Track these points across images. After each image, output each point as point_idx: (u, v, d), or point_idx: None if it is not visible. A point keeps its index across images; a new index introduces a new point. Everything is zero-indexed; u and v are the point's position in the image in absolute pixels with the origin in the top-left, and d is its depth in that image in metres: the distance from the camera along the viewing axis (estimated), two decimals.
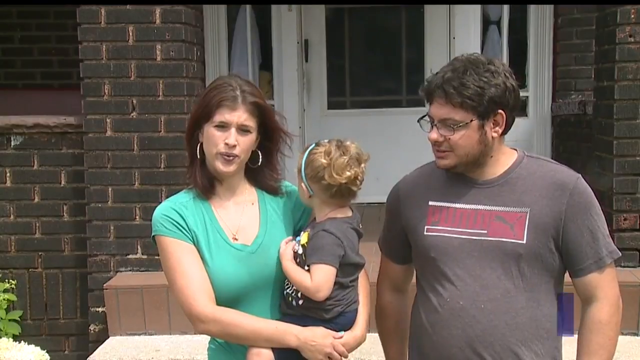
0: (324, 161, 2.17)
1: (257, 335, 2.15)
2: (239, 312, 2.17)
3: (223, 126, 2.18)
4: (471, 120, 2.10)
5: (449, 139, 2.11)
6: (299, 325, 2.17)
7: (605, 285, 2.17)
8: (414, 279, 2.40)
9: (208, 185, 2.25)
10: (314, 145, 2.22)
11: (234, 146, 2.18)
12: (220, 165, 2.20)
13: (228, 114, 2.18)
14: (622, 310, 2.21)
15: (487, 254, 2.14)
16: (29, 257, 4.65)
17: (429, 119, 2.17)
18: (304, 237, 2.20)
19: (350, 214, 2.25)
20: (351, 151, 2.19)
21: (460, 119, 2.09)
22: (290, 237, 2.25)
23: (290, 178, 2.40)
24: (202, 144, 2.24)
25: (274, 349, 2.15)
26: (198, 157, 2.24)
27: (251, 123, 2.21)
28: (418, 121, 2.21)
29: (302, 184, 2.23)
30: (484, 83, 2.08)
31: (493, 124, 2.13)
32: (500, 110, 2.12)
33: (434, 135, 2.13)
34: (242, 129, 2.20)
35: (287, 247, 2.22)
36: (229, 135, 2.18)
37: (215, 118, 2.18)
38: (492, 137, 2.15)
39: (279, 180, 2.35)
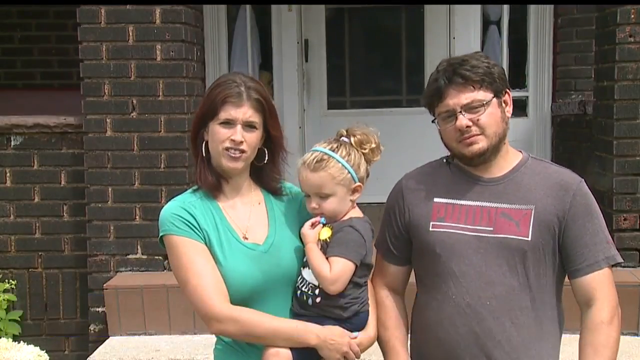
0: (370, 146, 2.23)
1: (277, 334, 2.13)
2: (257, 311, 2.15)
3: (229, 123, 2.18)
4: (492, 98, 2.14)
5: (478, 120, 2.13)
6: None
7: (604, 288, 2.17)
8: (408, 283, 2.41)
9: (216, 184, 2.24)
10: (327, 155, 2.20)
11: (241, 142, 2.18)
12: (226, 162, 2.20)
13: (233, 110, 2.18)
14: (621, 315, 2.21)
15: (493, 250, 2.15)
16: (29, 257, 4.65)
17: (446, 114, 2.16)
18: (325, 232, 2.20)
19: (362, 213, 2.27)
20: (357, 135, 2.24)
21: (482, 98, 2.13)
22: (315, 220, 2.21)
23: (291, 179, 2.40)
24: (207, 143, 2.23)
25: (292, 349, 2.14)
26: (204, 155, 2.23)
27: (256, 119, 2.21)
28: (433, 121, 2.21)
29: (344, 187, 2.20)
30: (487, 63, 2.15)
31: (504, 103, 2.19)
32: (507, 89, 2.20)
33: (464, 121, 2.13)
34: (248, 126, 2.20)
35: (314, 230, 2.20)
36: (235, 132, 2.18)
37: (220, 115, 2.18)
38: (507, 116, 2.20)
39: (280, 180, 2.35)
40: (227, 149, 2.18)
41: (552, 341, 2.19)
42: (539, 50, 6.38)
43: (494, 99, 2.14)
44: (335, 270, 2.14)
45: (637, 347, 3.89)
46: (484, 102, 2.13)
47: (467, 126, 2.13)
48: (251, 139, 2.20)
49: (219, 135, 2.18)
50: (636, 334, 4.02)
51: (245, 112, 2.18)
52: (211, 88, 2.24)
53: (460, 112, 2.13)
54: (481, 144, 2.16)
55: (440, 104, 2.16)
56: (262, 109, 2.23)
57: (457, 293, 2.16)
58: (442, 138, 2.24)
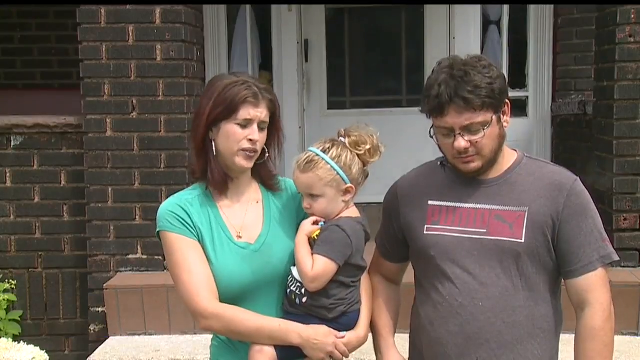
0: (365, 147, 2.21)
1: (260, 332, 2.15)
2: (242, 309, 2.17)
3: (246, 123, 2.20)
4: (492, 118, 2.11)
5: (477, 142, 2.12)
6: (302, 324, 2.18)
7: (597, 290, 2.16)
8: (407, 277, 2.42)
9: (224, 182, 2.25)
10: (317, 156, 2.20)
11: (257, 141, 2.21)
12: (242, 161, 2.21)
13: (252, 110, 2.19)
14: (614, 316, 2.19)
15: (486, 252, 2.15)
16: (29, 257, 4.65)
17: (445, 130, 2.14)
18: (315, 232, 2.20)
19: (359, 214, 2.26)
20: (352, 136, 2.23)
21: (482, 120, 2.10)
22: (318, 219, 2.23)
23: (289, 175, 2.40)
24: (212, 141, 2.23)
25: (276, 346, 2.16)
26: (214, 153, 2.23)
27: (268, 119, 2.25)
28: (431, 136, 2.20)
29: (333, 188, 2.20)
30: (489, 78, 2.10)
31: (503, 114, 2.16)
32: (507, 100, 2.16)
33: (462, 143, 2.11)
34: (261, 126, 2.22)
35: (312, 227, 2.21)
36: (253, 132, 2.20)
37: (239, 115, 2.19)
38: (505, 127, 2.18)
39: (275, 176, 2.36)
40: (244, 149, 2.20)
41: (545, 337, 2.19)
42: (539, 50, 6.38)
43: (494, 118, 2.12)
44: (316, 269, 2.15)
45: (637, 347, 3.88)
46: (484, 126, 2.10)
47: (465, 148, 2.13)
48: (263, 138, 2.24)
49: (236, 135, 2.19)
50: (636, 334, 4.01)
51: (262, 111, 2.21)
52: (221, 89, 2.21)
53: (460, 133, 2.11)
54: (477, 162, 2.16)
55: (440, 118, 2.13)
56: (274, 108, 2.26)
57: (450, 294, 2.17)
58: (438, 145, 2.23)
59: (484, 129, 2.10)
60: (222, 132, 2.21)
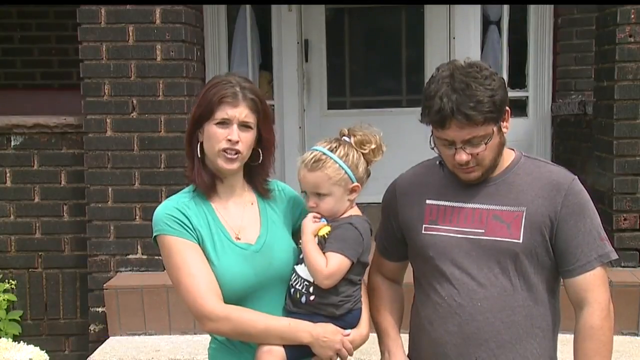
0: (370, 146, 2.21)
1: (270, 333, 2.15)
2: (250, 310, 2.16)
3: (225, 123, 2.18)
4: (493, 130, 2.11)
5: (477, 154, 2.11)
6: None
7: (595, 289, 2.16)
8: (406, 276, 2.42)
9: (211, 184, 2.24)
10: (325, 155, 2.19)
11: (237, 142, 2.18)
12: (223, 163, 2.20)
13: (230, 110, 2.18)
14: (613, 315, 2.20)
15: (484, 253, 2.16)
16: (29, 257, 4.66)
17: (445, 142, 2.13)
18: (324, 229, 2.20)
19: (361, 213, 2.27)
20: (357, 135, 2.24)
21: (484, 134, 2.09)
22: (317, 215, 2.22)
23: (289, 178, 2.40)
24: (201, 144, 2.23)
25: (285, 346, 2.15)
26: (199, 156, 2.23)
27: (252, 119, 2.22)
28: (432, 148, 2.19)
29: (341, 187, 2.20)
30: (491, 91, 2.08)
31: (503, 121, 2.16)
32: (507, 108, 2.16)
33: (464, 157, 2.11)
34: (244, 125, 2.20)
35: (314, 224, 2.20)
36: (231, 132, 2.18)
37: (216, 115, 2.18)
38: (505, 131, 2.17)
39: (269, 182, 2.35)
40: (224, 149, 2.18)
41: (544, 336, 2.20)
42: (539, 50, 6.38)
43: (495, 129, 2.11)
44: (331, 265, 2.15)
45: (637, 347, 3.88)
46: (486, 139, 2.10)
47: (466, 161, 2.12)
48: (247, 139, 2.21)
49: (216, 136, 2.18)
50: (636, 334, 4.01)
51: (241, 111, 2.19)
52: (205, 89, 2.24)
53: (461, 146, 2.11)
54: (477, 172, 2.16)
55: (440, 130, 2.12)
56: (257, 109, 2.23)
57: (449, 294, 2.18)
58: (439, 154, 2.22)
59: (485, 142, 2.10)
60: (206, 134, 2.21)
